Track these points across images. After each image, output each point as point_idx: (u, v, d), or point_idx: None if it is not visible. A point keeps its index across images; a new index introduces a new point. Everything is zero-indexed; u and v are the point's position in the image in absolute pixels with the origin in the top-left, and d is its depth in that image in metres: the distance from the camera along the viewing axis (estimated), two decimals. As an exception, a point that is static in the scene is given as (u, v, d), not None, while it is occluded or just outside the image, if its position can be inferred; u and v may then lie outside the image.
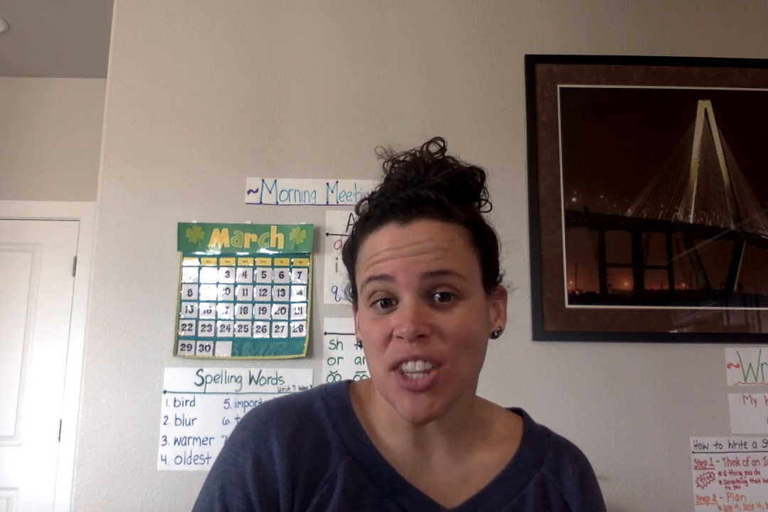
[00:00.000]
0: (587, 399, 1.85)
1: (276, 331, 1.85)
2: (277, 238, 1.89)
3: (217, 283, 1.88)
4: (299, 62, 2.01)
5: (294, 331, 1.85)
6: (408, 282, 0.68)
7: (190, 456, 1.77)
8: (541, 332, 1.86)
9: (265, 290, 1.87)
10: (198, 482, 1.65)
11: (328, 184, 1.94)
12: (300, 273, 1.88)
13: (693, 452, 1.82)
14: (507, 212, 1.91)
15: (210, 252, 1.89)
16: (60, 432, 2.97)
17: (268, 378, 1.83)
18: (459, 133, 1.92)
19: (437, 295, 0.69)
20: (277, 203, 1.92)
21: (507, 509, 0.74)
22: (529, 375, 1.85)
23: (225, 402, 1.81)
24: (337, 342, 1.85)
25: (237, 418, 1.79)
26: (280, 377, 1.83)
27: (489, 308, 0.75)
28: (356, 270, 0.75)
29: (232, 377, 1.83)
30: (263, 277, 1.88)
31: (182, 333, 1.84)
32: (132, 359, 1.83)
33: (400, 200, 0.71)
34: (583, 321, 1.87)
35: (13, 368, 3.03)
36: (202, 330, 1.84)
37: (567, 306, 1.88)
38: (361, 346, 0.75)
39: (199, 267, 1.88)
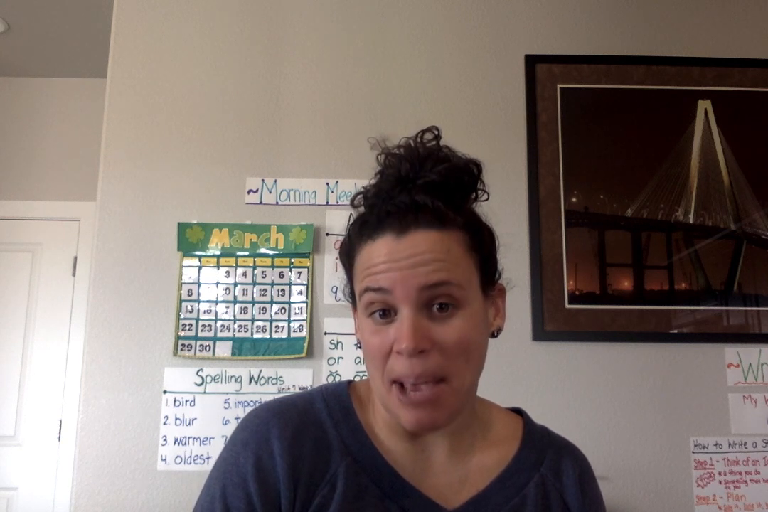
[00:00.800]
0: (587, 399, 1.85)
1: (276, 331, 1.85)
2: (277, 238, 1.89)
3: (217, 283, 1.88)
4: (299, 62, 2.01)
5: (294, 331, 1.85)
6: (406, 295, 0.67)
7: (190, 456, 1.77)
8: (541, 332, 1.86)
9: (265, 290, 1.87)
10: (198, 482, 1.65)
11: (328, 184, 1.94)
12: (300, 273, 1.88)
13: (693, 452, 1.82)
14: (507, 212, 1.91)
15: (210, 252, 1.89)
16: (60, 432, 2.97)
17: (268, 378, 1.83)
18: (459, 133, 1.92)
19: (436, 306, 0.68)
20: (277, 203, 1.92)
21: (507, 509, 0.74)
22: (529, 375, 1.85)
23: (225, 402, 1.81)
24: (337, 342, 1.85)
25: (237, 418, 1.79)
26: (280, 377, 1.83)
27: (488, 309, 0.75)
28: (354, 276, 0.74)
29: (232, 377, 1.83)
30: (263, 277, 1.88)
31: (182, 333, 1.84)
32: (132, 359, 1.83)
33: (395, 207, 0.70)
34: (583, 321, 1.87)
35: (13, 368, 3.03)
36: (202, 330, 1.84)
37: (567, 306, 1.88)
38: (361, 347, 0.75)
39: (199, 267, 1.88)
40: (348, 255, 0.75)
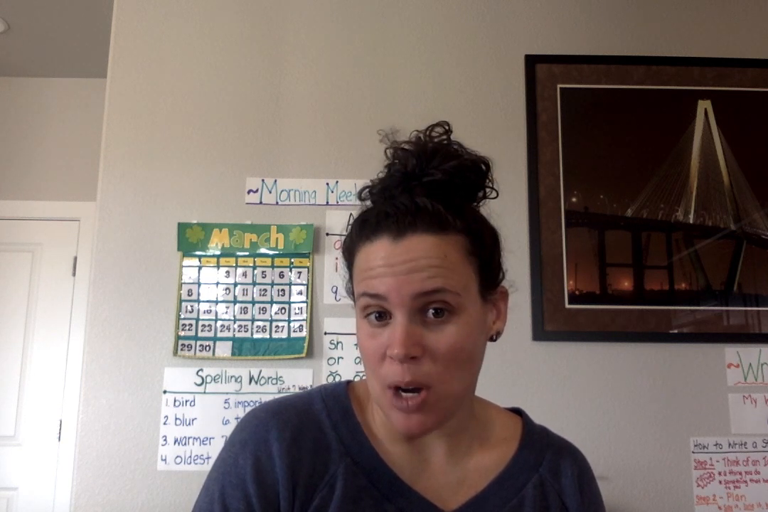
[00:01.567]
0: (587, 399, 1.85)
1: (276, 331, 1.85)
2: (277, 238, 1.89)
3: (217, 283, 1.88)
4: (299, 62, 2.01)
5: (294, 331, 1.85)
6: (400, 301, 0.67)
7: (190, 456, 1.77)
8: (541, 332, 1.86)
9: (265, 290, 1.87)
10: (198, 482, 1.65)
11: (328, 184, 1.94)
12: (300, 273, 1.88)
13: (693, 452, 1.82)
14: (507, 212, 1.91)
15: (210, 252, 1.89)
16: (60, 432, 2.97)
17: (268, 378, 1.83)
18: (459, 133, 1.90)
19: (431, 311, 0.68)
20: (277, 203, 1.92)
21: (505, 511, 0.74)
22: (529, 375, 1.85)
23: (225, 402, 1.81)
24: (337, 342, 1.85)
25: (237, 418, 1.79)
26: (280, 377, 1.83)
27: (487, 313, 0.74)
28: (353, 275, 0.74)
29: (232, 377, 1.83)
30: (263, 277, 1.88)
31: (182, 333, 1.84)
32: (132, 359, 1.83)
33: (394, 209, 0.69)
34: (583, 321, 1.87)
35: (13, 368, 3.03)
36: (202, 330, 1.84)
37: (567, 306, 1.88)
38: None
39: (199, 267, 1.88)
40: (349, 252, 0.75)
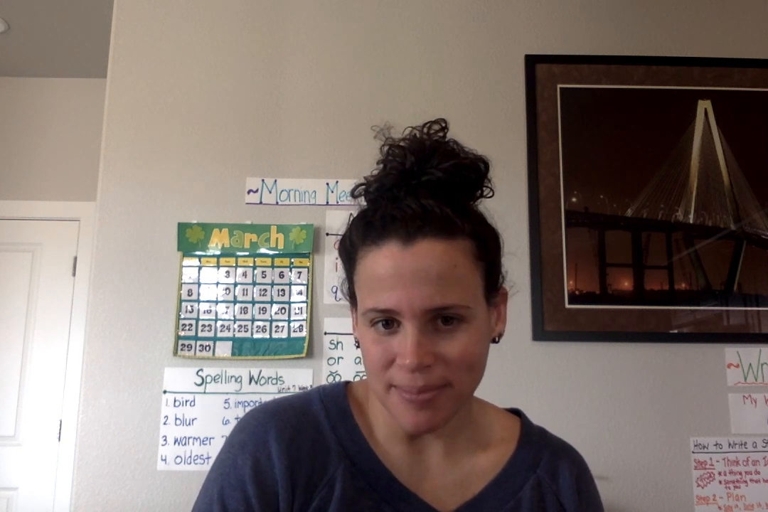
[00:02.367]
0: (587, 399, 1.84)
1: (276, 331, 1.85)
2: (277, 238, 1.89)
3: (217, 283, 1.88)
4: (299, 62, 2.01)
5: (294, 331, 1.85)
6: (411, 314, 0.65)
7: (190, 456, 1.77)
8: (541, 332, 1.86)
9: (265, 290, 1.87)
10: (198, 482, 1.65)
11: (328, 184, 1.94)
12: (300, 273, 1.88)
13: (693, 452, 1.82)
14: (507, 212, 1.90)
15: (210, 252, 1.89)
16: (60, 432, 2.97)
17: (268, 378, 1.83)
18: (459, 133, 1.91)
19: (441, 319, 0.67)
20: (277, 203, 1.92)
21: None
22: (529, 375, 1.85)
23: (225, 402, 1.81)
24: (337, 342, 1.85)
25: (237, 418, 1.78)
26: (280, 377, 1.83)
27: (491, 316, 0.73)
28: (355, 281, 0.72)
29: (232, 377, 1.83)
30: (263, 277, 1.88)
31: (182, 333, 1.84)
32: (132, 359, 1.83)
33: (401, 213, 0.67)
34: (583, 321, 1.87)
35: (13, 368, 3.03)
36: (202, 330, 1.84)
37: (567, 306, 1.88)
38: (359, 346, 0.74)
39: (199, 267, 1.88)
40: (349, 255, 0.73)
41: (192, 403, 1.80)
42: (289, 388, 1.82)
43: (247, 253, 1.89)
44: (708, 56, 2.03)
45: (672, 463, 1.81)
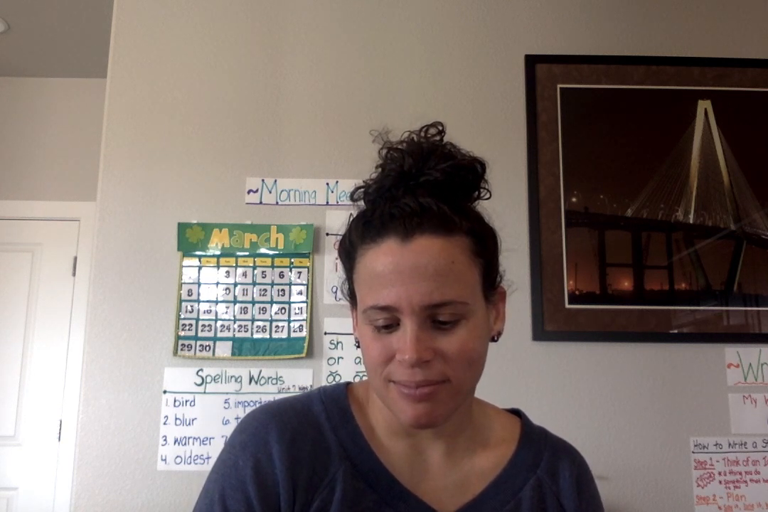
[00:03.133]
0: (587, 399, 1.84)
1: (276, 331, 1.85)
2: (277, 238, 1.89)
3: (217, 283, 1.88)
4: (299, 62, 2.01)
5: (294, 331, 1.85)
6: (410, 311, 0.66)
7: (190, 456, 1.77)
8: (541, 332, 1.86)
9: (265, 290, 1.87)
10: (198, 482, 1.65)
11: (328, 184, 1.94)
12: (300, 273, 1.88)
13: (693, 452, 1.82)
14: (507, 212, 1.90)
15: (210, 252, 1.89)
16: (60, 432, 2.97)
17: (268, 378, 1.83)
18: (459, 133, 1.90)
19: (440, 316, 0.67)
20: (277, 203, 1.92)
21: None
22: (529, 375, 1.85)
23: (225, 402, 1.81)
24: (337, 342, 1.85)
25: (237, 418, 1.79)
26: (280, 377, 1.83)
27: (489, 314, 0.74)
28: (354, 280, 0.73)
29: (232, 377, 1.83)
30: (263, 277, 1.88)
31: (182, 333, 1.84)
32: (132, 359, 1.83)
33: (399, 210, 0.69)
34: (583, 321, 1.87)
35: (13, 368, 3.03)
36: (202, 330, 1.84)
37: (567, 306, 1.88)
38: (359, 346, 0.74)
39: (199, 267, 1.88)
40: (349, 255, 0.74)
41: (192, 403, 1.80)
42: (289, 388, 1.82)
43: (247, 253, 1.89)
44: (708, 56, 2.03)
45: (672, 463, 1.81)
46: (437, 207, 0.69)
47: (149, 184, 1.93)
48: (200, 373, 1.83)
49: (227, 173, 1.94)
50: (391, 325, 0.68)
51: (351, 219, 0.75)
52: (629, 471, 1.81)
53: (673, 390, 1.85)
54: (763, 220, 1.96)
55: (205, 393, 1.81)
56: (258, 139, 1.96)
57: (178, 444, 1.78)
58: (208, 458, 1.77)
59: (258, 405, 0.79)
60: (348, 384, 0.81)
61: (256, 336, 1.84)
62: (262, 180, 1.94)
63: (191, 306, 1.86)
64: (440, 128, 0.74)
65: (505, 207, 1.90)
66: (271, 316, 1.86)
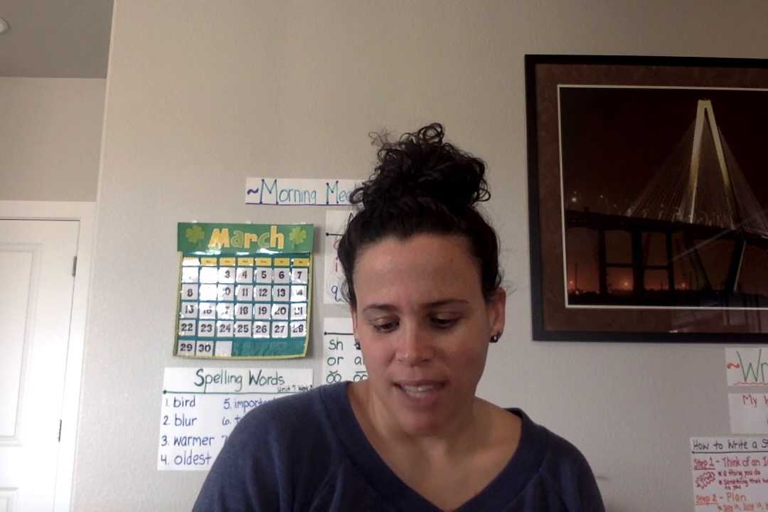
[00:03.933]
0: (587, 399, 1.84)
1: (276, 331, 1.85)
2: (277, 238, 1.89)
3: (217, 283, 1.88)
4: (300, 62, 2.01)
5: (294, 331, 1.85)
6: (410, 309, 0.67)
7: (190, 456, 1.77)
8: (541, 332, 1.86)
9: (265, 290, 1.87)
10: (198, 482, 1.65)
11: (328, 184, 1.94)
12: (300, 273, 1.88)
13: (693, 452, 1.82)
14: (507, 212, 1.91)
15: (210, 252, 1.89)
16: (60, 432, 2.97)
17: (268, 378, 1.83)
18: (459, 133, 1.90)
19: (439, 315, 0.68)
20: (277, 203, 1.92)
21: (505, 511, 0.74)
22: (529, 375, 1.85)
23: (225, 402, 1.81)
24: (337, 342, 1.85)
25: (237, 418, 1.79)
26: (280, 377, 1.83)
27: (489, 314, 0.74)
28: (354, 280, 0.74)
29: (232, 377, 1.83)
30: (263, 277, 1.88)
31: (182, 333, 1.84)
32: (132, 359, 1.83)
33: (398, 210, 0.69)
34: (583, 321, 1.87)
35: (13, 368, 3.03)
36: (202, 330, 1.84)
37: (567, 306, 1.88)
38: (359, 347, 0.74)
39: (199, 267, 1.88)
40: (348, 256, 0.74)
41: (192, 403, 1.80)
42: (289, 388, 1.82)
43: (247, 253, 1.89)
44: (708, 56, 2.03)
45: (672, 463, 1.81)
46: (436, 206, 0.69)
47: (149, 184, 1.93)
48: (200, 373, 1.83)
49: (227, 173, 1.94)
50: (391, 324, 0.68)
51: (350, 219, 0.75)
52: (629, 471, 1.81)
53: (673, 390, 1.85)
54: (763, 220, 1.96)
55: (205, 393, 1.81)
56: (258, 139, 1.96)
57: (178, 444, 1.78)
58: (208, 458, 1.77)
59: (258, 405, 0.79)
60: (348, 383, 0.81)
61: (256, 336, 1.84)
62: (262, 180, 1.94)
63: (191, 306, 1.86)
64: (439, 130, 0.74)
65: (505, 207, 1.91)
66: (271, 316, 1.86)
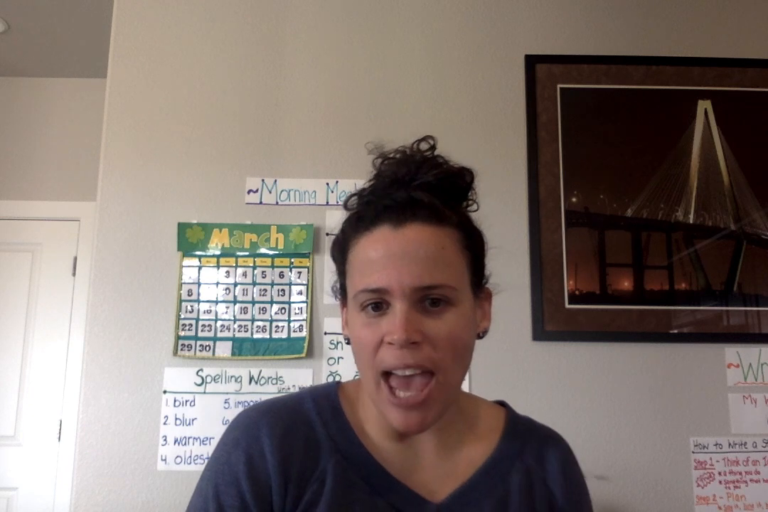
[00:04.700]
0: (587, 399, 1.85)
1: (276, 331, 1.85)
2: (277, 238, 1.89)
3: (217, 283, 1.88)
4: (299, 62, 2.01)
5: (294, 331, 1.85)
6: (400, 293, 0.68)
7: (190, 456, 1.77)
8: (541, 332, 1.86)
9: (265, 290, 1.87)
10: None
11: (328, 184, 1.94)
12: (300, 273, 1.88)
13: (693, 452, 1.82)
14: (507, 212, 1.91)
15: (210, 252, 1.89)
16: (60, 432, 2.97)
17: (268, 378, 1.83)
18: (459, 133, 1.92)
19: (429, 301, 0.70)
20: (277, 203, 1.93)
21: (492, 499, 0.75)
22: (529, 375, 1.85)
23: (225, 402, 1.81)
24: (337, 342, 1.85)
25: (237, 418, 1.79)
26: (280, 377, 1.83)
27: (476, 310, 0.76)
28: (347, 271, 0.75)
29: (232, 377, 1.83)
30: (263, 277, 1.88)
31: (182, 333, 1.84)
32: (132, 359, 1.83)
33: (393, 202, 0.72)
34: (583, 321, 1.87)
35: (13, 368, 3.03)
36: (202, 330, 1.84)
37: (567, 306, 1.88)
38: (349, 343, 0.76)
39: (199, 267, 1.88)
40: (341, 250, 0.77)
41: (192, 403, 1.80)
42: (289, 388, 1.82)
43: (247, 253, 1.89)
44: (708, 56, 2.04)
45: (672, 463, 1.81)
46: (428, 199, 0.72)
47: (149, 184, 1.93)
48: (200, 373, 1.83)
49: (227, 173, 1.94)
50: (381, 306, 0.70)
51: (344, 219, 0.78)
52: (629, 471, 1.81)
53: (673, 390, 1.85)
54: (763, 220, 1.96)
55: (205, 393, 1.81)
56: (258, 139, 1.96)
57: (178, 444, 1.78)
58: (208, 458, 1.77)
59: (251, 405, 0.81)
60: (338, 383, 0.83)
61: (256, 336, 1.85)
62: (262, 180, 1.94)
63: (191, 306, 1.86)
64: (431, 143, 0.77)
65: (505, 207, 1.90)
66: (271, 316, 1.86)
